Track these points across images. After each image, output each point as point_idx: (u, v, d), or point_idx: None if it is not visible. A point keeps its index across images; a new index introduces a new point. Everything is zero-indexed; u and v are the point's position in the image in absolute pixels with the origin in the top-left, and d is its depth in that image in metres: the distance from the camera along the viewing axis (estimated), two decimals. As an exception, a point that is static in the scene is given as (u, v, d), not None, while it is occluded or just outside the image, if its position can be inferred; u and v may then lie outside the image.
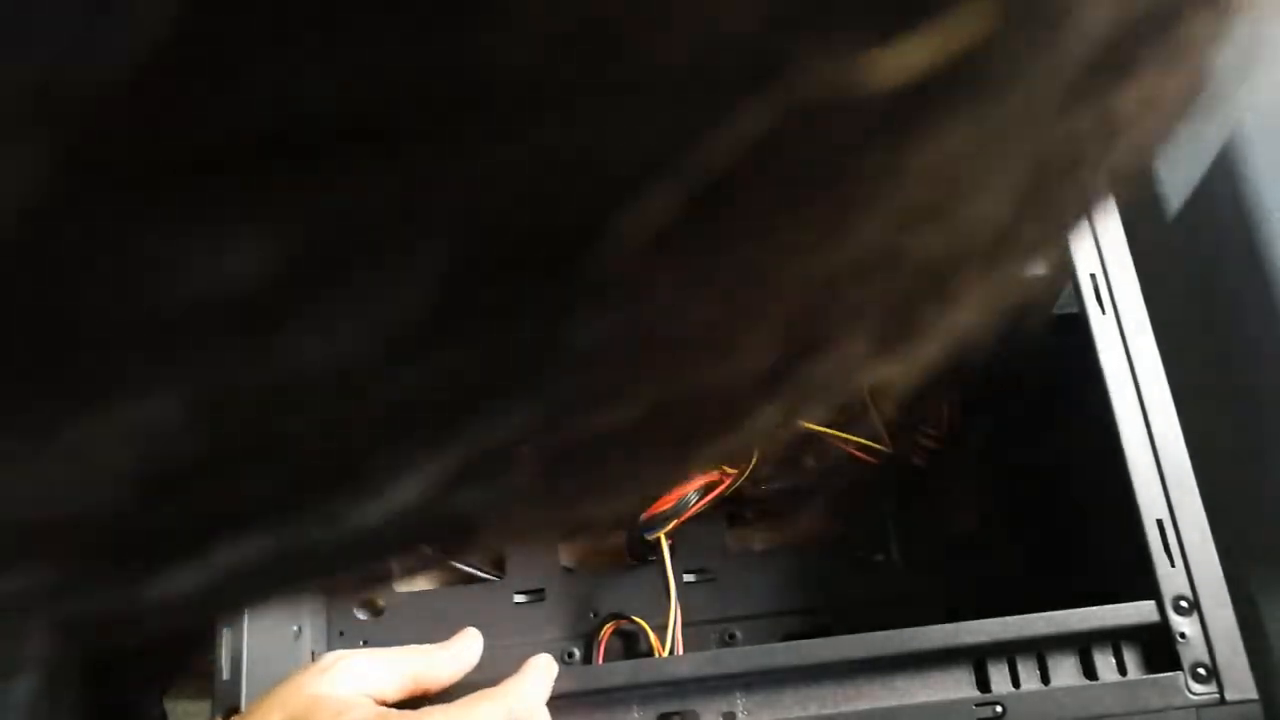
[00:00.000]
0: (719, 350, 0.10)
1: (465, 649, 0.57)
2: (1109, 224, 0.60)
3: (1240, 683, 0.51)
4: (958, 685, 0.53)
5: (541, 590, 0.68)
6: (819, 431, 0.66)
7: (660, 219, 0.08)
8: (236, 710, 0.54)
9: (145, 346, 0.08)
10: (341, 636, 0.66)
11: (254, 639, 0.57)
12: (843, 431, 0.67)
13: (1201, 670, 0.51)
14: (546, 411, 0.09)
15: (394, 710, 0.50)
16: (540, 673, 0.53)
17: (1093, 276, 0.59)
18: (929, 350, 0.12)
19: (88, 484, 0.09)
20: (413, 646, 0.55)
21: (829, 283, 0.10)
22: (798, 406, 0.11)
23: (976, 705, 0.52)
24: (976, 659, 0.53)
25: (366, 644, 0.64)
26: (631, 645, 0.66)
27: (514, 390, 0.09)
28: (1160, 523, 0.54)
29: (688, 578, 0.68)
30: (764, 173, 0.08)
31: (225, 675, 0.55)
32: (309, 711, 0.48)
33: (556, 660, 0.55)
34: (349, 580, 0.11)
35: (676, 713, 0.54)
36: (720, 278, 0.09)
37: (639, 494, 0.11)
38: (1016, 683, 0.52)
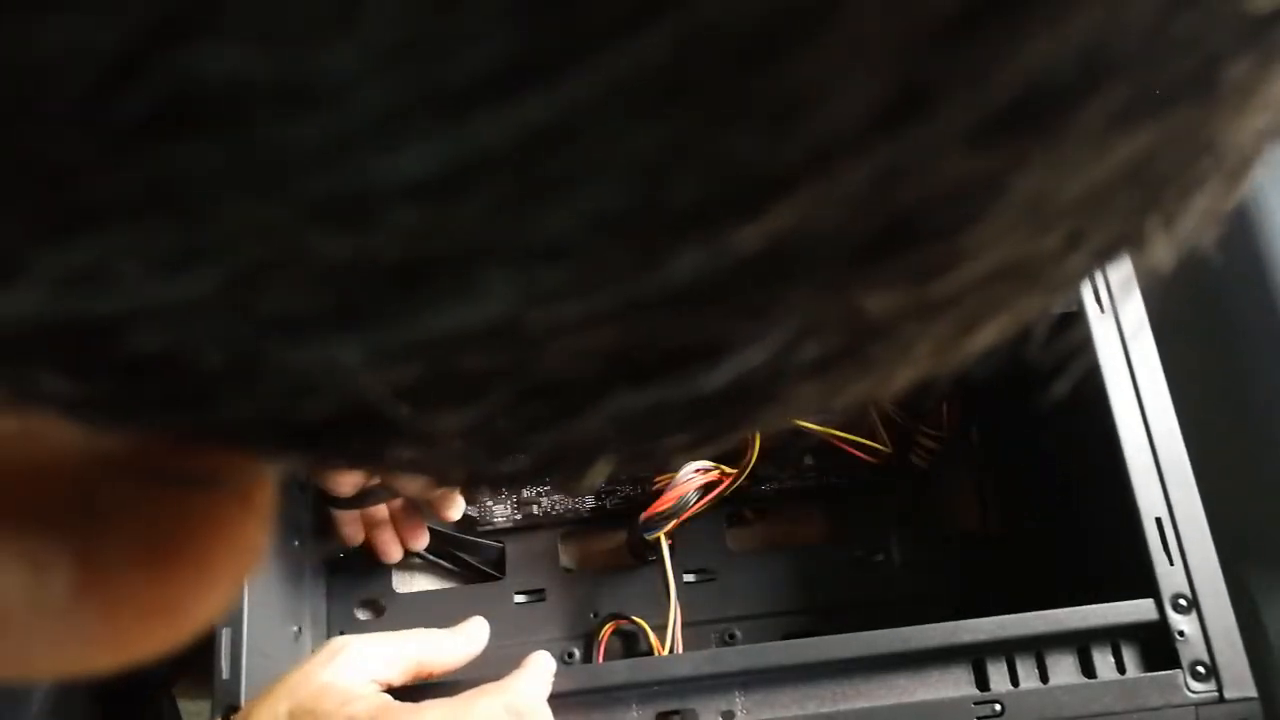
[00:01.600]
0: None
1: (471, 635, 0.58)
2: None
3: (1239, 681, 0.51)
4: (956, 684, 0.53)
5: (541, 590, 0.68)
6: (819, 431, 0.66)
7: None
8: (236, 709, 0.54)
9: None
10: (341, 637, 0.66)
11: (253, 639, 0.57)
12: (843, 431, 0.67)
13: (1200, 668, 0.51)
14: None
15: (397, 703, 0.50)
16: (540, 669, 0.53)
17: (1091, 275, 0.59)
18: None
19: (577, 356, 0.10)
20: (420, 630, 0.56)
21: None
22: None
23: (975, 704, 0.52)
24: (975, 658, 0.53)
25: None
26: (631, 645, 0.66)
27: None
28: (1159, 521, 0.54)
29: (688, 578, 0.68)
30: None
31: (225, 674, 0.55)
32: (316, 699, 0.49)
33: (556, 660, 0.55)
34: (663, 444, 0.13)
35: (675, 711, 0.54)
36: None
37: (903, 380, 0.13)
38: (1015, 681, 0.52)
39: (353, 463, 0.13)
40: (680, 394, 0.11)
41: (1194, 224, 0.12)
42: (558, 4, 0.08)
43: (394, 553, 0.68)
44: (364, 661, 0.52)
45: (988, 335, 0.12)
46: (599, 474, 0.12)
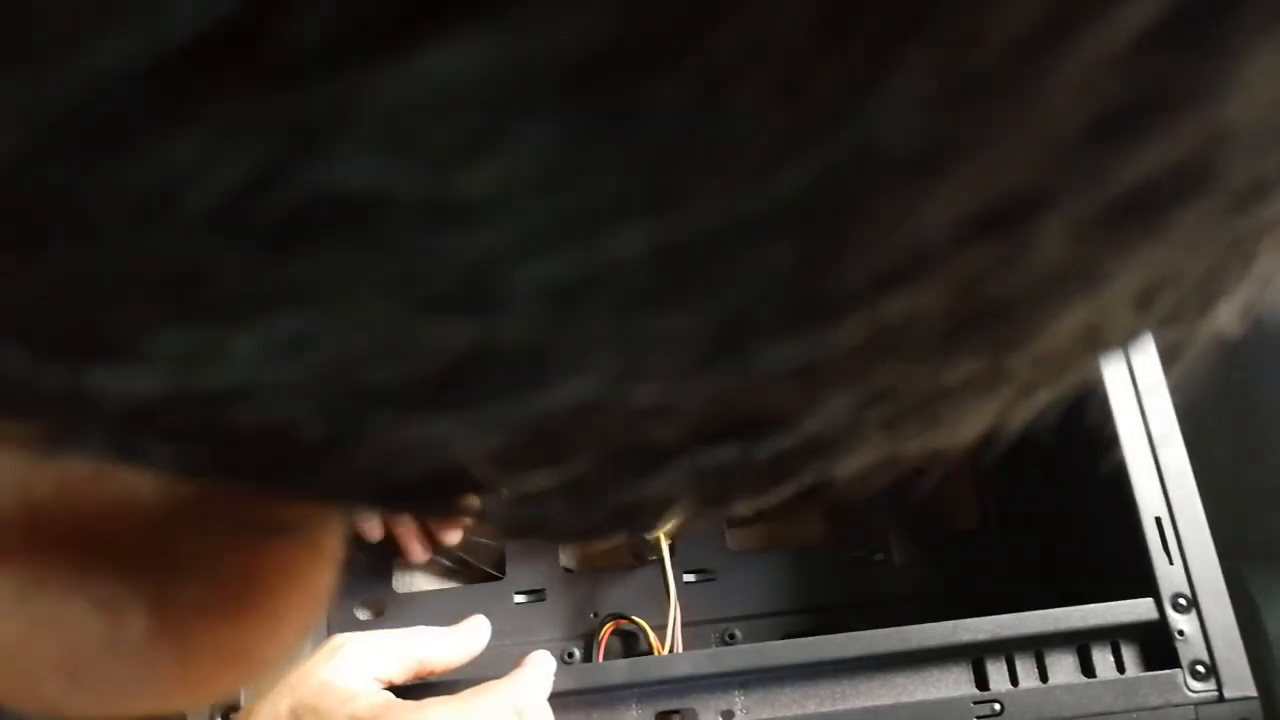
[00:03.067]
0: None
1: (471, 634, 0.58)
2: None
3: (1239, 680, 0.51)
4: (956, 683, 0.53)
5: (541, 590, 0.68)
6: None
7: None
8: (236, 708, 0.54)
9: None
10: (342, 636, 0.66)
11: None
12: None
13: (1200, 668, 0.51)
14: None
15: (399, 701, 0.50)
16: (540, 668, 0.53)
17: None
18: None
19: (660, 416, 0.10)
20: (420, 629, 0.56)
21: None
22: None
23: (975, 703, 0.52)
24: (975, 657, 0.53)
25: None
26: (631, 645, 0.66)
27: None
28: (1159, 520, 0.54)
29: (688, 578, 0.68)
30: None
31: None
32: (318, 697, 0.49)
33: (556, 660, 0.55)
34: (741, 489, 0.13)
35: (675, 711, 0.54)
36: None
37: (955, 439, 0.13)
38: (1015, 680, 0.52)
39: (434, 516, 0.13)
40: (756, 454, 0.11)
41: (1255, 289, 0.12)
42: (703, 138, 0.08)
43: (419, 551, 0.68)
44: (365, 659, 0.52)
45: (1048, 395, 0.12)
46: (669, 524, 0.13)
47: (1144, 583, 0.53)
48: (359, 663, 0.51)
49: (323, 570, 0.14)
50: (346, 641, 0.53)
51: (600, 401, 0.10)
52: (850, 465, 0.12)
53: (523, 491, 0.12)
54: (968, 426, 0.12)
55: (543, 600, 0.68)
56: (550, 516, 0.13)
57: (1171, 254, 0.10)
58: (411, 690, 0.53)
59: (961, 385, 0.11)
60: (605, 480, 0.11)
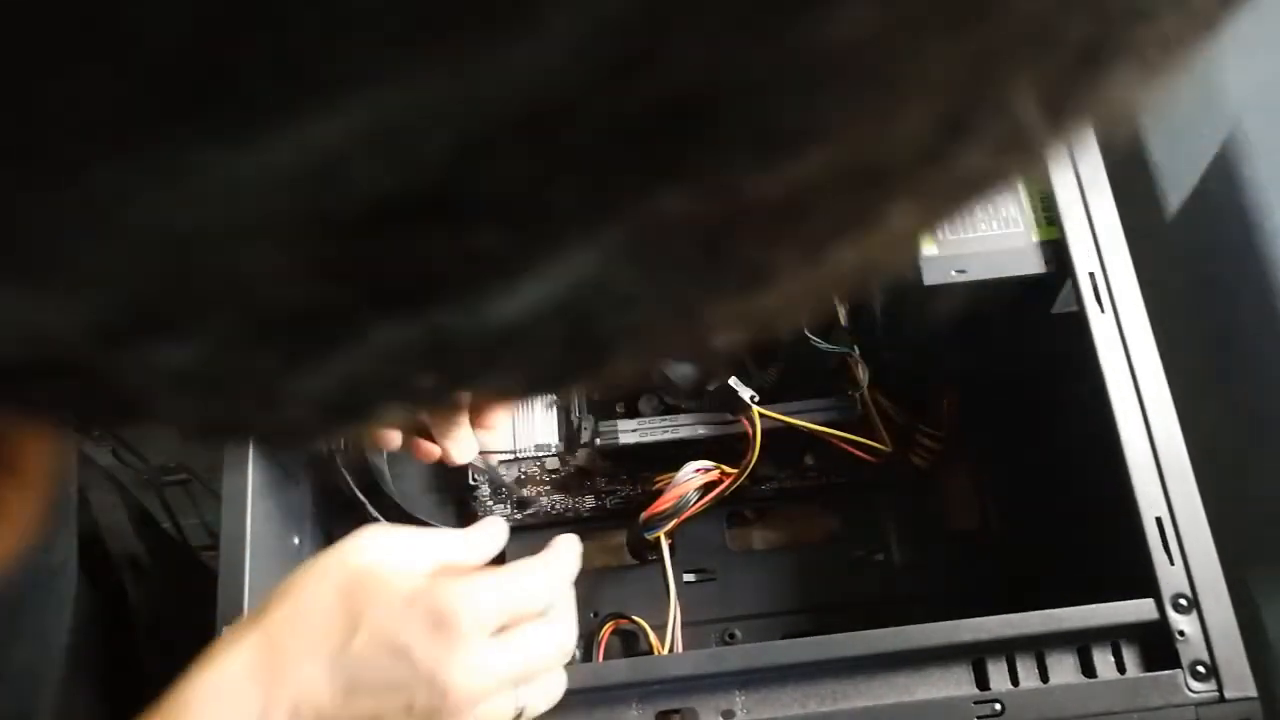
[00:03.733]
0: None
1: (487, 536, 0.55)
2: (1107, 223, 0.60)
3: (1239, 681, 0.51)
4: (956, 683, 0.53)
5: (541, 590, 0.68)
6: (819, 431, 0.66)
7: None
8: None
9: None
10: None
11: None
12: (843, 431, 0.67)
13: (1201, 668, 0.51)
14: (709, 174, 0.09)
15: (441, 578, 0.49)
16: (568, 549, 0.55)
17: (1091, 275, 0.59)
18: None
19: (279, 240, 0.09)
20: (441, 530, 0.56)
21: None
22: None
23: (975, 703, 0.52)
24: (975, 656, 0.53)
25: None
26: (631, 645, 0.66)
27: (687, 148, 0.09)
28: (1159, 520, 0.54)
29: (688, 577, 0.68)
30: None
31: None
32: (359, 581, 0.46)
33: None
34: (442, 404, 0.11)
35: (675, 710, 0.54)
36: None
37: (777, 298, 0.11)
38: (1015, 680, 0.52)
39: (89, 413, 0.12)
40: (454, 328, 0.09)
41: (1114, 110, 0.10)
42: None
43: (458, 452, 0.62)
44: (395, 548, 0.49)
45: (847, 258, 0.11)
46: (389, 419, 0.11)
47: (1144, 583, 0.53)
48: (391, 551, 0.49)
49: (20, 493, 0.13)
50: (374, 533, 0.50)
51: (169, 229, 0.08)
52: (629, 359, 0.11)
53: (163, 375, 0.10)
54: (765, 292, 0.11)
55: (543, 600, 0.68)
56: (235, 411, 0.11)
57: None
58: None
59: (703, 224, 0.09)
60: (265, 359, 0.10)
